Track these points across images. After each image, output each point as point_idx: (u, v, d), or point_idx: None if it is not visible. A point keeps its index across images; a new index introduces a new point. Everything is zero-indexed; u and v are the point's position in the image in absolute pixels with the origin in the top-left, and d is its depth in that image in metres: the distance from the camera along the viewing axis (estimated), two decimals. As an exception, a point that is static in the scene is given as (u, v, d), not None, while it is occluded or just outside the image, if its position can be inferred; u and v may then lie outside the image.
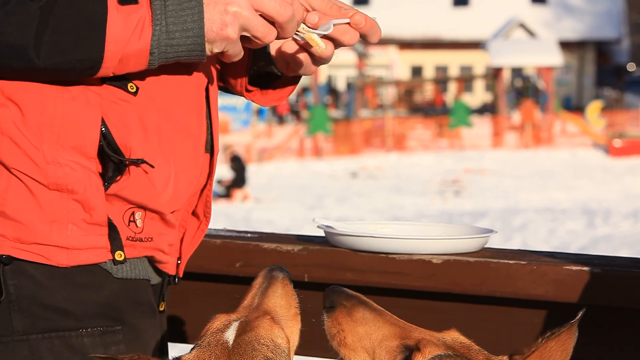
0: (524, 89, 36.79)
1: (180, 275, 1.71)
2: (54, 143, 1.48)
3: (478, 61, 41.25)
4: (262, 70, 1.72)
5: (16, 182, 1.48)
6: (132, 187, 1.53)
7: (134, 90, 1.53)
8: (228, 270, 2.00)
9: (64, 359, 1.51)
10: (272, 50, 1.67)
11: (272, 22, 1.48)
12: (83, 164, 1.49)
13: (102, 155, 1.51)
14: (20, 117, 1.47)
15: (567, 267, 1.81)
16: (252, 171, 19.89)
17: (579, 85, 43.42)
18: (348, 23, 1.56)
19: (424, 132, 29.28)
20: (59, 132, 1.48)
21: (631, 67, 49.95)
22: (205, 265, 1.98)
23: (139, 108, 1.53)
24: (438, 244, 1.89)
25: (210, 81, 1.67)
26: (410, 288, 1.89)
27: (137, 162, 1.52)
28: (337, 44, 1.58)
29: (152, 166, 1.53)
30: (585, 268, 1.80)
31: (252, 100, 1.78)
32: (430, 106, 38.12)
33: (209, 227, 1.76)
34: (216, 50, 1.47)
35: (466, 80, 40.46)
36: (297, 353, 1.46)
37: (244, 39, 1.49)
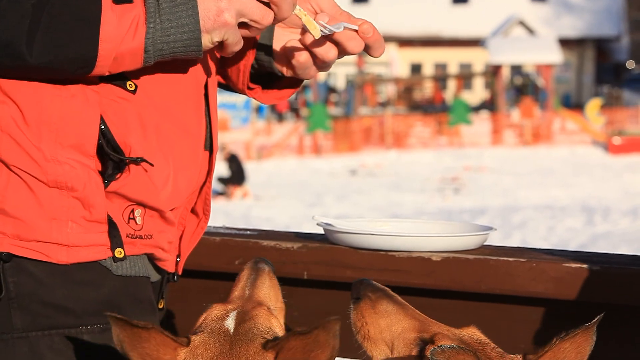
0: (523, 87, 36.79)
1: (180, 273, 1.71)
2: (53, 141, 1.48)
3: (477, 59, 41.24)
4: (264, 70, 1.71)
5: (16, 179, 1.48)
6: (132, 185, 1.53)
7: (132, 88, 1.53)
8: (227, 268, 2.00)
9: (64, 355, 1.51)
10: (276, 48, 1.66)
11: (268, 5, 1.47)
12: (82, 162, 1.49)
13: (101, 153, 1.51)
14: (20, 114, 1.47)
15: (567, 265, 1.81)
16: (252, 169, 19.89)
17: (578, 83, 43.43)
18: (356, 30, 1.57)
19: (423, 130, 29.27)
20: (57, 130, 1.48)
21: (630, 64, 49.95)
22: (204, 263, 1.98)
23: (138, 106, 1.53)
24: (437, 241, 1.89)
25: (209, 79, 1.67)
26: (410, 285, 1.89)
27: (137, 161, 1.52)
28: (341, 50, 1.59)
29: (151, 164, 1.53)
30: (585, 265, 1.80)
31: (253, 98, 1.78)
32: (429, 104, 38.11)
33: (208, 224, 1.76)
34: (216, 39, 1.47)
35: (465, 77, 40.46)
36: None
37: (242, 26, 1.48)
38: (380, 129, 27.87)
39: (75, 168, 1.49)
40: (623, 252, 2.26)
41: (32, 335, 1.50)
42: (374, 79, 37.31)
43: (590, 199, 16.09)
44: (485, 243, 1.96)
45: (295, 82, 1.75)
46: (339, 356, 1.82)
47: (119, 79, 1.51)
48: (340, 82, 42.15)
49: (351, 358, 1.65)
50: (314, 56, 1.61)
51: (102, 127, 1.50)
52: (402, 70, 43.10)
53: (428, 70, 44.16)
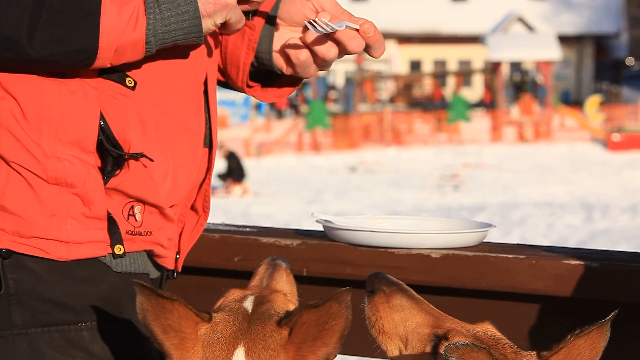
0: (522, 84, 36.78)
1: (179, 270, 1.71)
2: (52, 137, 1.48)
3: (477, 55, 41.23)
4: (263, 68, 1.71)
5: (15, 176, 1.48)
6: (131, 181, 1.53)
7: (132, 84, 1.53)
8: (227, 265, 2.00)
9: (63, 352, 1.51)
10: (276, 48, 1.66)
11: None
12: (82, 158, 1.50)
13: (101, 149, 1.52)
14: (19, 111, 1.47)
15: (566, 262, 1.81)
16: (251, 166, 19.90)
17: (577, 80, 43.42)
18: (357, 30, 1.57)
19: (422, 127, 29.26)
20: (57, 126, 1.48)
21: (630, 61, 49.94)
22: (203, 260, 1.98)
23: (137, 102, 1.53)
24: (437, 238, 1.89)
25: (209, 75, 1.67)
26: (409, 282, 1.88)
27: (136, 156, 1.52)
28: (342, 49, 1.59)
29: (151, 160, 1.53)
30: (584, 262, 1.81)
31: (253, 96, 1.78)
32: (429, 101, 38.10)
33: (208, 221, 1.76)
34: (219, 21, 1.47)
35: (465, 74, 40.44)
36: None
37: (241, 2, 1.49)
38: (380, 126, 27.87)
39: (75, 164, 1.49)
40: (622, 249, 2.26)
41: (31, 331, 1.50)
42: (373, 76, 37.28)
43: (589, 196, 16.09)
44: (485, 240, 1.96)
45: (294, 80, 1.75)
46: (353, 354, 1.83)
47: (118, 75, 1.51)
48: (339, 79, 42.13)
49: (366, 356, 1.65)
50: (314, 54, 1.61)
51: (102, 123, 1.51)
52: (402, 67, 43.07)
53: (427, 67, 44.14)
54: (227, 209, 14.49)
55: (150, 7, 1.43)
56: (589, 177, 19.49)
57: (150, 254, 1.63)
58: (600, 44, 44.90)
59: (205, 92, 1.67)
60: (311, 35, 1.58)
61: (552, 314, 1.87)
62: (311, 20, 1.57)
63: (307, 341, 1.35)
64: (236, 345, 1.36)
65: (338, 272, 1.92)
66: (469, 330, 1.45)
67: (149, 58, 1.54)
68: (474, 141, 27.14)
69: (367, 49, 1.60)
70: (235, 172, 17.51)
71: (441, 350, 1.37)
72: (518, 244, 1.99)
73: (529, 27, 38.60)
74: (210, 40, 1.66)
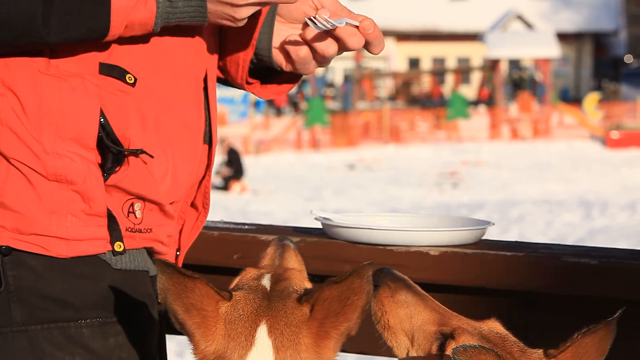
0: (521, 81, 36.77)
1: (180, 266, 1.71)
2: (53, 134, 1.48)
3: (475, 53, 41.21)
4: (263, 64, 1.71)
5: (15, 172, 1.48)
6: (131, 178, 1.53)
7: (132, 81, 1.53)
8: (226, 262, 2.00)
9: (63, 349, 1.51)
10: (275, 45, 1.66)
11: None
12: (82, 155, 1.50)
13: (101, 146, 1.52)
14: (20, 107, 1.48)
15: (565, 259, 1.82)
16: (250, 163, 19.89)
17: (576, 77, 43.42)
18: (357, 27, 1.57)
19: (421, 124, 29.26)
20: (57, 123, 1.48)
21: (628, 59, 49.95)
22: (203, 257, 1.98)
23: (137, 99, 1.54)
24: (435, 235, 1.89)
25: (208, 72, 1.67)
26: (408, 280, 1.89)
27: (136, 153, 1.53)
28: (341, 45, 1.59)
29: (151, 156, 1.54)
30: (583, 260, 1.81)
31: (252, 93, 1.78)
32: (427, 98, 38.09)
33: (207, 219, 1.76)
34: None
35: (463, 72, 40.43)
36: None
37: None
38: (378, 124, 27.86)
39: (75, 161, 1.49)
40: (621, 247, 2.26)
41: (31, 328, 1.50)
42: (372, 73, 37.27)
43: (588, 194, 16.10)
44: (483, 237, 1.96)
45: (294, 77, 1.75)
46: (359, 352, 1.83)
47: (118, 72, 1.52)
48: (338, 77, 42.12)
49: (373, 354, 1.66)
50: (314, 51, 1.62)
51: (102, 119, 1.51)
52: (400, 65, 43.07)
53: (426, 64, 44.12)
54: (226, 206, 14.49)
55: None
56: (587, 174, 19.49)
57: (150, 251, 1.63)
58: (599, 41, 44.90)
59: (205, 89, 1.67)
60: (311, 32, 1.59)
61: (551, 311, 1.87)
62: (311, 17, 1.57)
63: (330, 317, 1.37)
64: (258, 323, 1.37)
65: (337, 270, 1.92)
66: (475, 328, 1.45)
67: (149, 55, 1.55)
68: (472, 139, 27.14)
69: (367, 46, 1.60)
70: (234, 170, 17.52)
71: (448, 352, 1.38)
72: (516, 241, 1.99)
73: (528, 25, 38.58)
74: (210, 38, 1.66)
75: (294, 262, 1.54)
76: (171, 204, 1.61)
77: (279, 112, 34.71)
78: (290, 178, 18.89)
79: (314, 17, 1.57)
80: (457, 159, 22.43)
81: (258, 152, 23.85)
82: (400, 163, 22.02)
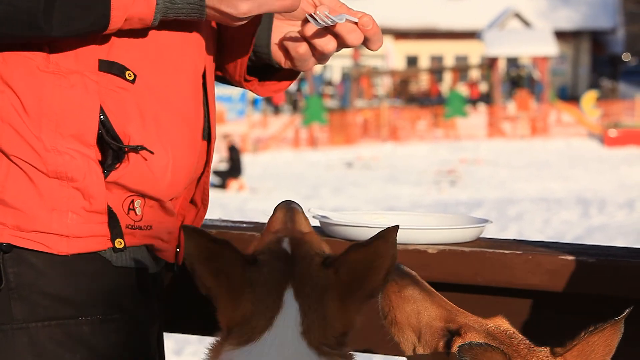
0: (519, 79, 36.77)
1: (179, 263, 1.71)
2: (53, 131, 1.48)
3: (473, 51, 41.19)
4: (261, 62, 1.72)
5: (16, 169, 1.48)
6: (131, 175, 1.53)
7: (131, 78, 1.53)
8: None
9: (64, 346, 1.51)
10: (274, 41, 1.67)
11: None
12: (82, 152, 1.50)
13: (101, 143, 1.52)
14: (19, 104, 1.48)
15: (562, 257, 1.82)
16: (248, 161, 19.89)
17: (574, 75, 43.41)
18: (356, 23, 1.57)
19: (419, 122, 29.26)
20: (57, 120, 1.48)
21: (626, 57, 49.96)
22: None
23: (136, 96, 1.54)
24: (433, 234, 1.90)
25: (207, 69, 1.67)
26: (406, 278, 1.89)
27: (136, 149, 1.53)
28: (340, 42, 1.60)
29: (151, 152, 1.54)
30: (580, 258, 1.81)
31: (250, 90, 1.78)
32: (425, 96, 38.09)
33: (206, 217, 1.76)
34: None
35: (461, 70, 40.43)
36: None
37: None
38: (376, 122, 27.86)
39: (75, 158, 1.49)
40: (619, 245, 2.27)
41: (32, 326, 1.50)
42: (370, 71, 37.26)
43: (586, 192, 16.11)
44: (482, 235, 1.96)
45: (292, 74, 1.75)
46: (366, 351, 1.83)
47: (118, 68, 1.52)
48: (336, 75, 42.09)
49: (381, 353, 1.66)
50: (313, 48, 1.62)
51: (102, 116, 1.51)
52: (398, 63, 43.04)
53: (424, 62, 44.10)
54: (224, 204, 14.49)
55: None
56: (585, 172, 19.50)
57: (151, 248, 1.63)
58: (596, 39, 44.89)
59: (204, 85, 1.67)
60: (310, 29, 1.59)
61: (549, 309, 1.88)
62: (312, 14, 1.57)
63: (356, 280, 1.38)
64: (285, 286, 1.38)
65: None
66: (481, 325, 1.45)
67: (148, 51, 1.55)
68: (470, 137, 27.14)
69: (366, 42, 1.61)
70: (233, 167, 17.53)
71: (454, 350, 1.38)
72: (514, 239, 1.99)
73: (526, 23, 38.57)
74: (209, 34, 1.66)
75: (305, 226, 1.54)
76: (171, 200, 1.61)
77: (277, 110, 34.69)
78: (288, 176, 18.89)
79: (314, 14, 1.57)
80: (455, 157, 22.44)
81: (256, 150, 23.85)
82: (398, 161, 22.02)
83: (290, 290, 1.38)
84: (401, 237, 1.89)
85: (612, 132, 26.01)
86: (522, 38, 33.67)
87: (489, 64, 33.31)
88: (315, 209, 2.00)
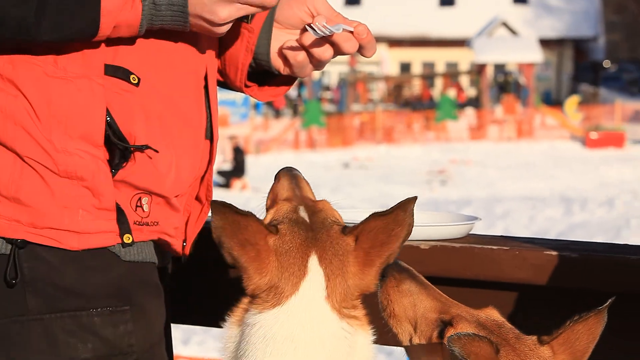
0: (506, 84, 36.76)
1: (187, 255, 1.71)
2: (62, 133, 1.48)
3: (463, 58, 41.18)
4: (261, 68, 1.71)
5: (29, 170, 1.48)
6: (138, 173, 1.53)
7: (136, 81, 1.53)
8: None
9: (76, 336, 1.51)
10: (273, 50, 1.66)
11: None
12: (91, 152, 1.50)
13: (108, 143, 1.51)
14: (30, 108, 1.48)
15: (547, 252, 1.81)
16: (250, 162, 19.87)
17: (557, 81, 43.40)
18: (351, 32, 1.58)
19: (412, 125, 29.24)
20: (66, 122, 1.48)
21: (607, 63, 49.96)
22: (206, 252, 1.98)
23: (141, 98, 1.53)
24: (425, 230, 1.89)
25: (209, 72, 1.67)
26: (400, 272, 1.89)
27: (142, 148, 1.52)
28: (336, 50, 1.60)
29: (156, 151, 1.54)
30: (564, 253, 1.81)
31: (250, 95, 1.78)
32: (418, 101, 38.06)
33: (210, 216, 1.76)
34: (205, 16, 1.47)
35: (452, 76, 40.41)
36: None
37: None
38: (372, 125, 27.84)
39: (84, 158, 1.49)
40: (599, 240, 2.27)
41: (45, 317, 1.50)
42: (366, 77, 37.23)
43: (568, 190, 16.11)
44: (471, 232, 1.96)
45: (289, 79, 1.75)
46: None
47: (123, 72, 1.52)
48: (333, 80, 42.06)
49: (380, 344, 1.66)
50: (311, 55, 1.62)
51: (108, 118, 1.50)
52: (392, 69, 43.02)
53: (416, 69, 44.07)
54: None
55: None
56: (568, 172, 19.51)
57: (158, 243, 1.62)
58: (579, 47, 44.89)
59: (206, 87, 1.67)
60: (309, 38, 1.59)
61: (534, 301, 1.87)
62: (310, 25, 1.57)
63: (376, 246, 1.41)
64: (309, 253, 1.39)
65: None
66: (473, 316, 1.45)
67: (152, 56, 1.55)
68: (460, 139, 27.13)
69: (360, 50, 1.61)
70: (236, 168, 17.52)
71: (445, 340, 1.38)
72: (502, 235, 1.99)
73: (512, 31, 38.54)
74: (209, 38, 1.65)
75: (309, 192, 1.55)
76: (176, 197, 1.60)
77: (277, 113, 34.66)
78: (288, 176, 18.84)
79: (313, 25, 1.57)
80: (445, 158, 22.43)
81: (258, 151, 23.83)
82: (392, 162, 22.01)
83: (314, 257, 1.39)
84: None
85: (593, 135, 26.02)
86: (509, 46, 33.68)
87: (478, 70, 33.31)
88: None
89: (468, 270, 1.86)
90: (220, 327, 1.46)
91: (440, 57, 43.98)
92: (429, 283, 1.54)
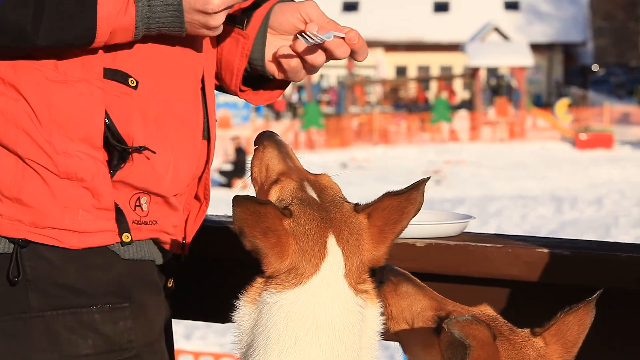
0: (498, 87, 36.78)
1: (186, 254, 1.70)
2: (62, 135, 1.48)
3: (457, 62, 41.22)
4: (256, 73, 1.71)
5: (30, 171, 1.48)
6: (136, 174, 1.53)
7: (134, 84, 1.52)
8: (229, 253, 1.98)
9: (77, 333, 1.50)
10: (268, 56, 1.66)
11: None
12: (90, 154, 1.49)
13: (107, 145, 1.51)
14: (32, 112, 1.47)
15: (539, 250, 1.81)
16: (251, 162, 19.86)
17: (548, 84, 43.44)
18: (343, 38, 1.58)
19: (407, 127, 29.26)
20: (66, 125, 1.48)
21: (595, 67, 50.03)
22: (208, 249, 1.96)
23: (139, 100, 1.53)
24: (421, 228, 1.88)
25: (205, 74, 1.66)
26: (395, 269, 1.88)
27: (139, 150, 1.52)
28: (329, 55, 1.60)
29: (153, 152, 1.53)
30: (556, 250, 1.80)
31: (245, 99, 1.78)
32: (413, 103, 38.08)
33: (213, 213, 1.75)
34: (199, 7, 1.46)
35: (446, 79, 40.44)
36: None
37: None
38: (369, 126, 27.86)
39: (84, 160, 1.48)
40: (589, 238, 2.26)
41: (47, 314, 1.49)
42: (363, 80, 37.27)
43: (559, 190, 16.12)
44: (465, 230, 1.95)
45: (283, 83, 1.74)
46: None
47: (121, 76, 1.51)
48: (332, 84, 42.09)
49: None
50: (304, 61, 1.62)
51: (107, 120, 1.50)
52: (388, 73, 43.06)
53: (412, 72, 44.11)
54: (230, 202, 14.45)
55: None
56: (558, 172, 19.52)
57: (157, 241, 1.61)
58: (568, 51, 44.95)
59: (203, 90, 1.66)
60: (301, 45, 1.59)
61: (527, 297, 1.87)
62: (302, 34, 1.57)
63: (389, 224, 1.42)
64: (327, 234, 1.39)
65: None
66: (468, 312, 1.46)
67: (150, 59, 1.54)
68: (454, 140, 27.14)
69: (352, 54, 1.61)
70: (238, 167, 17.54)
71: (444, 325, 1.37)
72: (495, 233, 1.98)
73: (504, 36, 38.58)
74: (206, 41, 1.65)
75: (297, 160, 1.53)
76: (175, 196, 1.60)
77: (278, 115, 34.68)
78: (288, 176, 18.86)
79: (305, 33, 1.57)
80: (440, 158, 22.45)
81: (259, 152, 23.81)
82: (389, 162, 22.03)
83: (332, 238, 1.39)
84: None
85: (583, 136, 26.05)
86: (501, 50, 33.71)
87: (471, 73, 33.33)
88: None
89: (462, 267, 1.85)
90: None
91: (435, 61, 44.03)
92: (424, 284, 1.54)
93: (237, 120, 28.75)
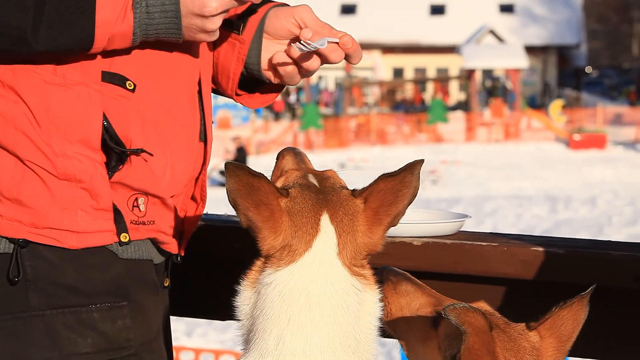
0: (494, 89, 36.79)
1: (182, 254, 1.69)
2: (61, 137, 1.47)
3: (453, 64, 41.22)
4: (252, 77, 1.71)
5: (30, 173, 1.48)
6: (134, 175, 1.52)
7: (132, 87, 1.52)
8: (229, 253, 1.98)
9: (76, 331, 1.50)
10: (264, 60, 1.66)
11: None
12: (89, 156, 1.49)
13: (105, 147, 1.50)
14: (31, 114, 1.47)
15: (534, 248, 1.80)
16: (251, 162, 19.88)
17: (542, 86, 43.46)
18: (337, 43, 1.58)
19: (404, 127, 29.26)
20: (65, 127, 1.47)
21: (589, 69, 50.06)
22: (207, 248, 1.96)
23: (137, 103, 1.52)
24: (418, 227, 1.88)
25: (202, 77, 1.66)
26: (393, 268, 1.87)
27: (137, 152, 1.52)
28: (323, 60, 1.61)
29: (150, 154, 1.53)
30: (550, 249, 1.80)
31: (240, 103, 1.78)
32: (410, 104, 38.08)
33: (212, 212, 1.75)
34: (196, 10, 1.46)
35: (442, 81, 40.44)
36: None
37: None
38: (366, 127, 27.86)
39: (82, 161, 1.48)
40: (583, 237, 2.26)
41: (47, 313, 1.49)
42: (361, 82, 37.25)
43: (553, 190, 16.13)
44: (461, 229, 1.95)
45: (278, 87, 1.75)
46: None
47: (119, 79, 1.51)
48: (330, 85, 42.09)
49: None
50: (299, 66, 1.63)
51: (105, 123, 1.50)
52: (386, 74, 43.05)
53: (409, 74, 44.10)
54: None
55: (137, 2, 1.42)
56: (553, 172, 19.54)
57: (155, 241, 1.61)
58: (562, 54, 44.96)
59: (200, 92, 1.66)
60: (296, 52, 1.60)
61: (522, 295, 1.86)
62: (296, 43, 1.58)
63: (384, 206, 1.41)
64: (321, 213, 1.39)
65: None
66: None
67: (147, 63, 1.54)
68: (450, 140, 27.15)
69: (347, 58, 1.62)
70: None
71: (441, 311, 1.38)
72: (490, 232, 1.98)
73: (500, 39, 38.58)
74: (203, 45, 1.65)
75: (309, 162, 1.55)
76: (172, 197, 1.59)
77: (277, 116, 34.68)
78: (287, 176, 18.86)
79: (299, 42, 1.57)
80: (436, 158, 22.45)
81: (259, 152, 23.85)
82: (386, 162, 22.01)
83: (325, 216, 1.39)
84: (389, 231, 1.88)
85: (577, 137, 26.07)
86: (496, 52, 33.72)
87: (467, 75, 33.33)
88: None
89: (459, 265, 1.85)
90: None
91: (431, 63, 44.03)
92: (423, 283, 1.54)
93: (237, 121, 28.76)
